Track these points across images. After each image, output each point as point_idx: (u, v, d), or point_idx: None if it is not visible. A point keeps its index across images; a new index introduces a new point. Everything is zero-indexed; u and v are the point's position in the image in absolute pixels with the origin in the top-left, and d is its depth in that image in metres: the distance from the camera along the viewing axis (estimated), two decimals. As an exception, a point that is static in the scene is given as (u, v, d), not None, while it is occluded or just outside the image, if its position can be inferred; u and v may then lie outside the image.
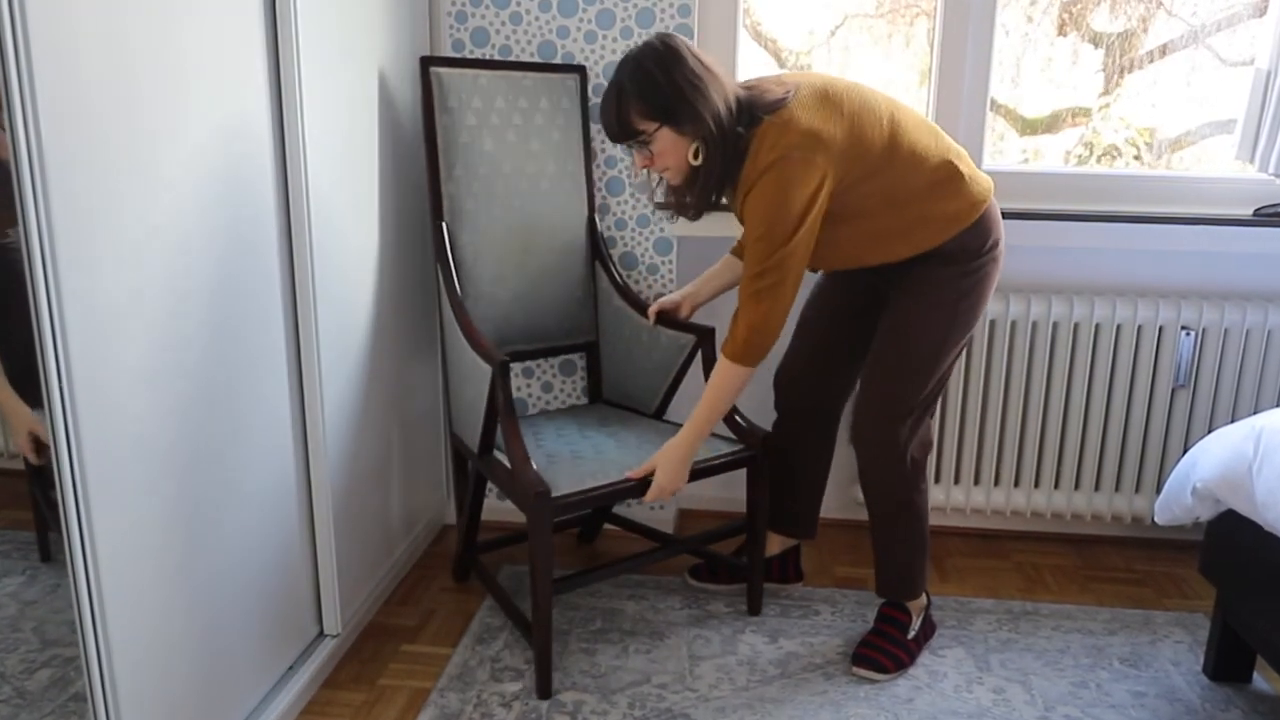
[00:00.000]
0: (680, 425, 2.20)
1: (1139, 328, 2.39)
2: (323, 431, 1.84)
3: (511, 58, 2.35)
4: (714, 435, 2.12)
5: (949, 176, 1.80)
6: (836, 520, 2.69)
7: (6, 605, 1.26)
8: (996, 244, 1.85)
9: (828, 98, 1.75)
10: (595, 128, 2.37)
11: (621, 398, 2.36)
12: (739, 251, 2.11)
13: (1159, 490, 2.47)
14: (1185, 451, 2.34)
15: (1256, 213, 2.37)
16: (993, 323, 2.42)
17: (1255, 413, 2.42)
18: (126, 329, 1.29)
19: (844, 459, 2.64)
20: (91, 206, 1.21)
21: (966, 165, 1.84)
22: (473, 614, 2.16)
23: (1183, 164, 2.54)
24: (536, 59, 2.34)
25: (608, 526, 2.54)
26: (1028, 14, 2.45)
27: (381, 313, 2.11)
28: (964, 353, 2.19)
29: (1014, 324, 2.42)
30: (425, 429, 2.46)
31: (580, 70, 2.30)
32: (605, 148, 2.39)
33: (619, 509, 2.53)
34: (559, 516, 1.82)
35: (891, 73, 2.49)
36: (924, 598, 2.05)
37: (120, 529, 1.30)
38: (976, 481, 2.55)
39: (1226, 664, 1.95)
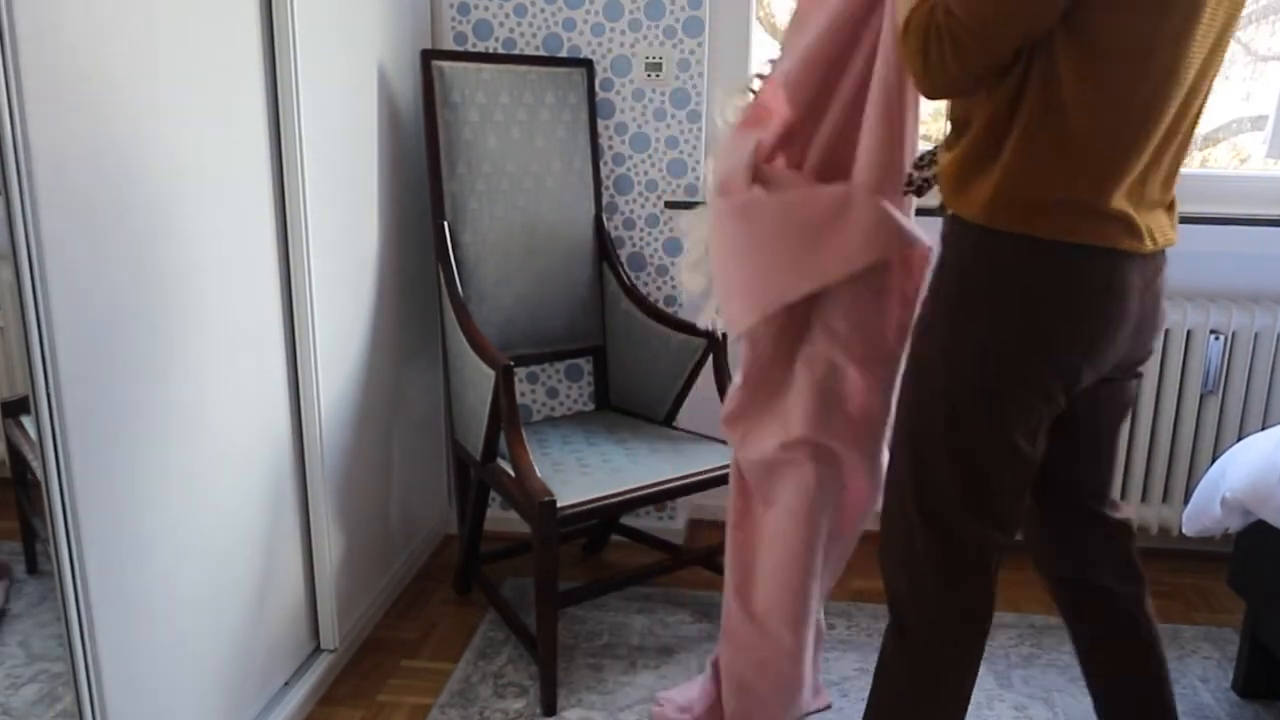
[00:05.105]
0: (690, 433, 2.15)
1: (1166, 331, 2.34)
2: (319, 438, 1.82)
3: (516, 51, 2.31)
4: (724, 443, 2.07)
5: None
6: (850, 529, 2.64)
7: (-9, 618, 1.27)
8: (1008, 294, 1.21)
9: None
10: (603, 124, 2.32)
11: (630, 404, 2.33)
12: None
13: (1187, 500, 2.41)
14: (1214, 460, 2.29)
15: (1288, 212, 2.32)
16: (1013, 326, 2.37)
17: (1285, 420, 2.38)
18: (117, 333, 1.28)
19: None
20: (82, 206, 1.20)
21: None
22: (475, 628, 2.13)
23: (1213, 161, 2.49)
24: (542, 52, 2.30)
25: (615, 538, 2.52)
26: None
27: (381, 315, 2.08)
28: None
29: (1035, 327, 2.36)
30: (426, 436, 2.43)
31: (587, 64, 2.26)
32: (613, 145, 2.34)
33: (627, 519, 2.50)
34: (565, 527, 1.79)
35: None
36: None
37: (109, 540, 1.28)
38: (995, 490, 2.50)
39: (1256, 680, 1.91)
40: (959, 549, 1.29)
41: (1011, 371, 1.21)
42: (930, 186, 1.42)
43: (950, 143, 1.26)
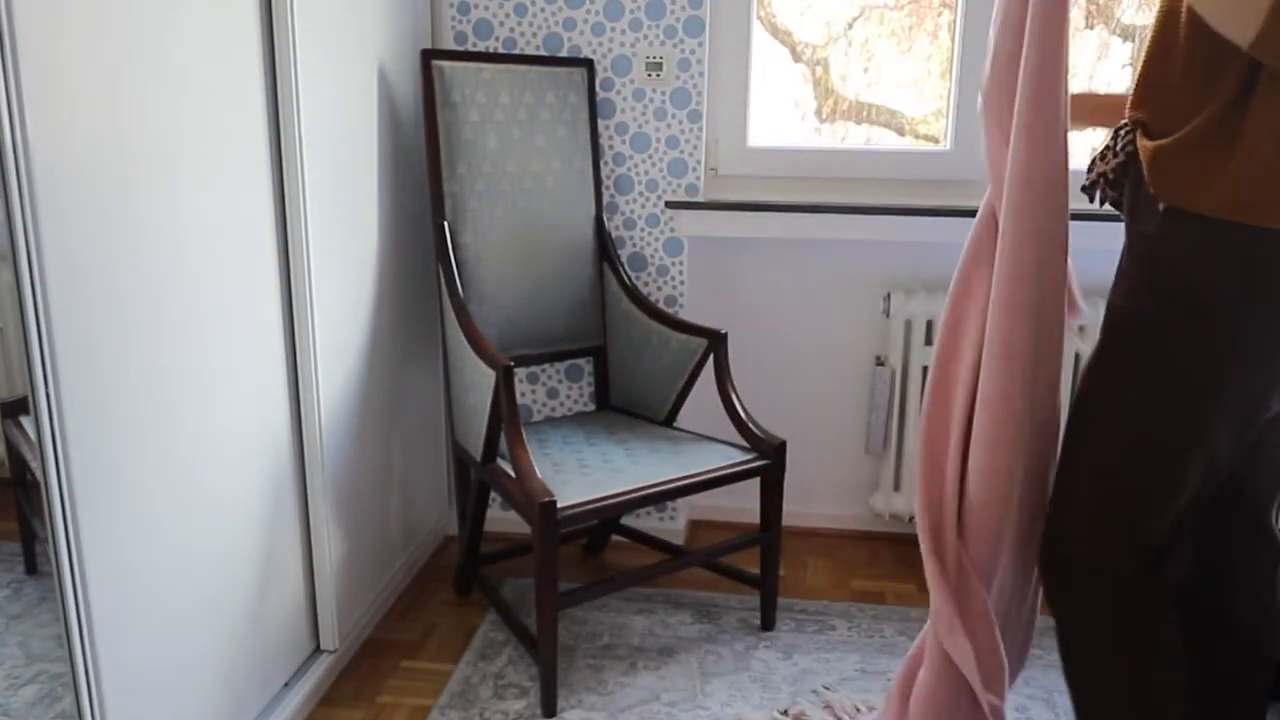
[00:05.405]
0: (691, 433, 2.15)
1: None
2: (319, 438, 1.81)
3: (516, 51, 2.30)
4: (725, 443, 2.07)
5: None
6: (854, 532, 2.63)
7: (-10, 619, 1.25)
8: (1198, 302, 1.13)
9: None
10: (603, 123, 2.32)
11: (630, 404, 2.32)
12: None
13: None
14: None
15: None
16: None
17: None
18: (117, 334, 1.27)
19: (860, 465, 2.58)
20: (81, 206, 1.19)
21: None
22: (475, 629, 2.12)
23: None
24: (542, 52, 2.29)
25: (615, 538, 2.50)
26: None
27: (380, 315, 2.07)
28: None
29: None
30: (426, 436, 2.42)
31: (587, 64, 2.25)
32: (613, 145, 2.33)
33: (627, 520, 2.49)
34: (565, 528, 1.78)
35: (910, 66, 2.43)
36: None
37: (109, 540, 1.27)
38: (996, 490, 2.48)
39: (1260, 682, 1.88)
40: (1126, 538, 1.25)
41: (1240, 378, 1.11)
42: (1109, 179, 1.23)
43: (1160, 125, 1.11)
